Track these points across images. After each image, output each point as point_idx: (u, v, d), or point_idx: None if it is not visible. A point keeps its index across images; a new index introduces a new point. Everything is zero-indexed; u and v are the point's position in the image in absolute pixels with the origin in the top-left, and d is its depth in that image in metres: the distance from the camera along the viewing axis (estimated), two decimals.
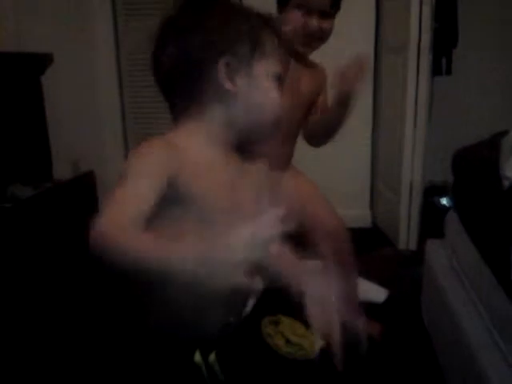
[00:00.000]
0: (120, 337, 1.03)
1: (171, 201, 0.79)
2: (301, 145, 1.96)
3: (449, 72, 3.01)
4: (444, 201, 3.06)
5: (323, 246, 1.93)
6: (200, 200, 0.83)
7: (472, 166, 1.70)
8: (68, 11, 2.79)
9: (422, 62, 2.73)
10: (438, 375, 1.77)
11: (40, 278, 1.97)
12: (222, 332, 0.95)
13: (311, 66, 1.80)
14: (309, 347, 2.02)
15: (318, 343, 2.02)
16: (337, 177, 2.98)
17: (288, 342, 2.06)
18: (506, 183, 1.38)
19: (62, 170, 2.39)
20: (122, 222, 0.71)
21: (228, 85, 0.86)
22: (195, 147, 0.87)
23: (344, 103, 1.61)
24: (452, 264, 1.84)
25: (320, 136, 1.82)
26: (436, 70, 2.95)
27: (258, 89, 0.88)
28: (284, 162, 1.90)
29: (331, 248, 2.00)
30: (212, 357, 0.93)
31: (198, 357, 0.91)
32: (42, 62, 2.19)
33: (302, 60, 1.77)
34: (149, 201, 0.76)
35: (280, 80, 0.90)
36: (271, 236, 0.67)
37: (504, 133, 1.61)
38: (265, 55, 0.87)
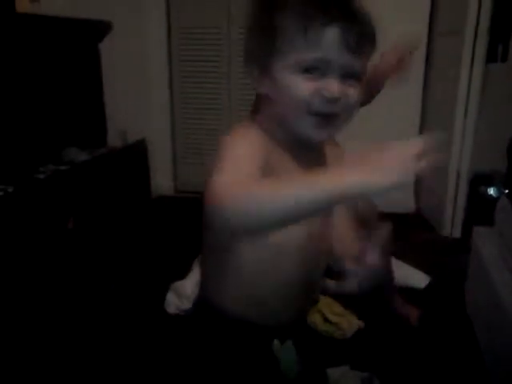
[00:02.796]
0: (198, 323, 1.00)
1: None
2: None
3: (504, 59, 2.91)
4: (491, 191, 2.98)
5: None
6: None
7: None
8: None
9: (478, 47, 2.66)
10: (479, 363, 1.75)
11: (93, 236, 2.02)
12: (297, 319, 0.96)
13: None
14: (347, 327, 2.03)
15: (356, 323, 2.03)
16: None
17: (326, 320, 2.07)
18: None
19: (112, 138, 2.44)
20: (239, 178, 0.70)
21: (260, 89, 0.85)
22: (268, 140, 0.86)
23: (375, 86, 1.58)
24: (502, 252, 1.81)
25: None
26: (490, 57, 2.86)
27: (281, 86, 0.82)
28: None
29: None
30: (289, 344, 0.93)
31: (276, 345, 0.92)
32: (101, 29, 2.22)
33: None
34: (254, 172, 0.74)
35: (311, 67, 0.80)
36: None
37: None
38: (281, 49, 0.81)
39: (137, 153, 2.32)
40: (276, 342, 0.91)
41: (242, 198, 0.66)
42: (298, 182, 0.68)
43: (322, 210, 0.69)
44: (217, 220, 0.68)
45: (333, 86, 0.79)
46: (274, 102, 0.84)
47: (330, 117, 0.82)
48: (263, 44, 0.82)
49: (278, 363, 0.91)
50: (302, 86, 0.80)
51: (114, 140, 2.43)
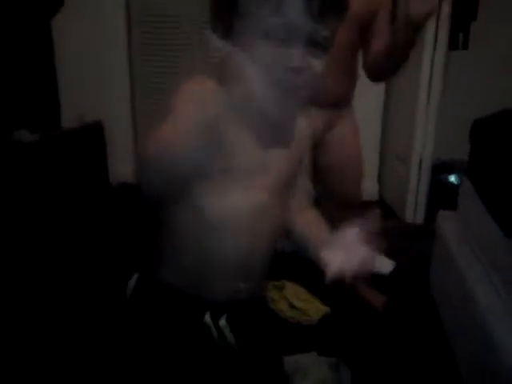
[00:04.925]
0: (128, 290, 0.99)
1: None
2: None
3: (465, 47, 2.94)
4: (452, 178, 3.03)
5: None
6: (229, 150, 0.79)
7: (493, 133, 1.66)
8: None
9: (440, 36, 2.68)
10: (444, 345, 1.76)
11: (45, 223, 1.93)
12: (233, 297, 0.92)
13: None
14: (313, 313, 2.02)
15: (322, 309, 2.01)
16: None
17: (292, 306, 2.06)
18: None
19: (68, 122, 2.33)
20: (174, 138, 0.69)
21: (222, 55, 0.79)
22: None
23: (414, 26, 1.34)
24: (465, 235, 1.81)
25: (382, 69, 1.61)
26: (452, 45, 2.88)
27: (242, 52, 0.77)
28: (335, 98, 1.72)
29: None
30: (223, 321, 0.90)
31: (207, 318, 0.89)
32: (52, 4, 2.10)
33: None
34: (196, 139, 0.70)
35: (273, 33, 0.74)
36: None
37: None
38: (243, 11, 0.75)
39: (92, 134, 2.22)
40: (207, 314, 0.89)
41: (160, 149, 0.69)
42: None
43: None
44: (141, 171, 0.72)
45: (297, 54, 0.74)
46: (235, 70, 0.78)
47: (291, 89, 0.77)
48: (226, 4, 0.76)
49: (210, 335, 0.90)
50: (264, 54, 0.74)
51: (70, 124, 2.31)
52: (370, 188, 3.16)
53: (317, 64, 0.77)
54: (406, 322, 1.92)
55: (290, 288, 2.10)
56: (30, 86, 2.09)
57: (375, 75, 1.69)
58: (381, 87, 3.07)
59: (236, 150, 0.80)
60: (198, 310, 0.89)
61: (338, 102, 1.78)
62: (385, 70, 1.64)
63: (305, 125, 0.94)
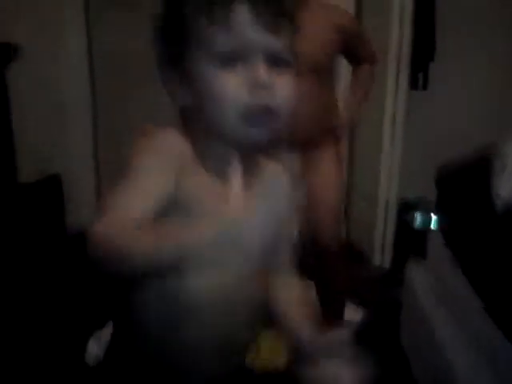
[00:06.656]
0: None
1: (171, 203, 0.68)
2: None
3: (425, 87, 2.99)
4: (418, 217, 3.03)
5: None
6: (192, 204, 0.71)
7: (460, 182, 1.65)
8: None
9: (401, 77, 2.71)
10: None
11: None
12: (216, 374, 0.82)
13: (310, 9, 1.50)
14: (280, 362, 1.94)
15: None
16: None
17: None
18: (499, 203, 1.34)
19: (28, 175, 2.20)
20: (125, 221, 0.63)
21: (182, 100, 0.75)
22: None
23: None
24: (434, 286, 1.78)
25: None
26: (412, 85, 2.93)
27: (203, 87, 0.71)
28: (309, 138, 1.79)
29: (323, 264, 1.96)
30: None
31: None
32: (6, 52, 2.01)
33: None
34: (156, 199, 0.66)
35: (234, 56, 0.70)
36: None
37: (491, 147, 1.54)
38: (194, 43, 0.70)
39: (50, 188, 2.12)
40: None
41: (111, 248, 0.62)
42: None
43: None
44: (91, 258, 0.64)
45: (258, 70, 0.68)
46: (198, 111, 0.73)
47: (262, 111, 0.70)
48: (175, 42, 0.72)
49: None
50: (226, 80, 0.69)
51: (27, 178, 2.19)
52: None
53: (283, 82, 0.71)
54: (377, 375, 1.86)
55: (264, 343, 2.01)
56: None
57: None
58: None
59: (208, 211, 0.67)
60: None
61: (314, 142, 1.80)
62: None
63: (279, 169, 0.87)
